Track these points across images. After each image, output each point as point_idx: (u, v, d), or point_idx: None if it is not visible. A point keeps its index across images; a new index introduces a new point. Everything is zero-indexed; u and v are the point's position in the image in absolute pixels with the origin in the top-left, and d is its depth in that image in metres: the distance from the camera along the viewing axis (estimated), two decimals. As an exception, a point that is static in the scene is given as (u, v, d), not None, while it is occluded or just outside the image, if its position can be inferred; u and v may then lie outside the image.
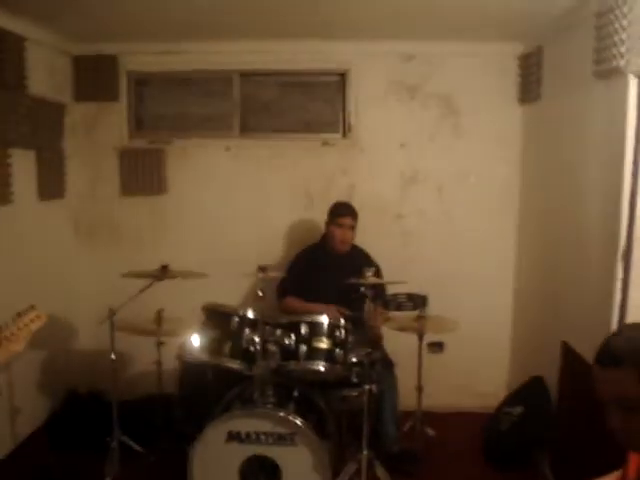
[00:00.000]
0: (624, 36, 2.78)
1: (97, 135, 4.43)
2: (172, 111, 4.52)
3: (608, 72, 2.95)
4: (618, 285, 2.86)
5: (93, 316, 3.23)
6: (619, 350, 1.43)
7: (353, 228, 3.87)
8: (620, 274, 2.86)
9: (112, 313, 3.20)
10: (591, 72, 3.11)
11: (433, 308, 3.61)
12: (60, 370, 4.24)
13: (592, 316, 3.08)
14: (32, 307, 2.12)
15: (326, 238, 3.93)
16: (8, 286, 3.47)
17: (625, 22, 2.78)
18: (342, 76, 4.42)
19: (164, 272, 3.27)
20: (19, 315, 2.07)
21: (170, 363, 3.59)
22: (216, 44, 4.25)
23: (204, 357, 3.07)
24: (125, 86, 4.43)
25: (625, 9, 2.77)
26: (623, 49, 2.79)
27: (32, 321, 2.09)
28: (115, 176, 4.45)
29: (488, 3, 3.35)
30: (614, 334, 1.52)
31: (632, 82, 2.78)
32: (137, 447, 3.46)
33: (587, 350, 3.11)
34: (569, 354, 3.33)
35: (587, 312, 3.18)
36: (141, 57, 4.39)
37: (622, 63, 2.80)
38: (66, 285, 4.33)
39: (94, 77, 4.36)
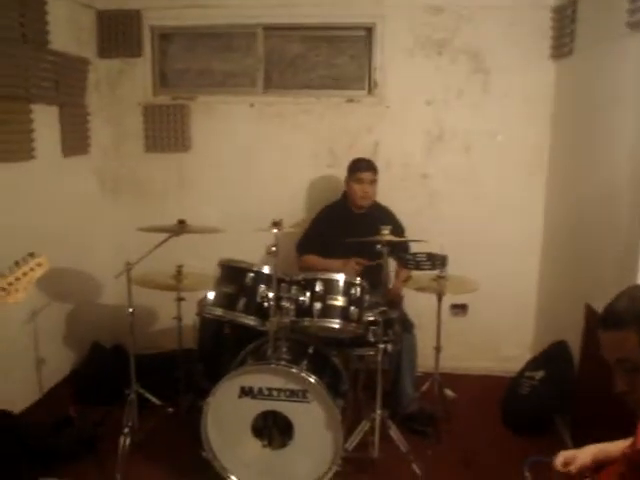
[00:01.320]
0: (660, -17, 2.62)
1: (121, 91, 4.43)
2: (196, 67, 4.48)
3: (642, 22, 2.79)
4: (643, 247, 2.76)
5: (115, 271, 3.25)
6: (620, 313, 1.41)
7: (374, 183, 3.80)
8: (646, 236, 2.75)
9: (129, 267, 3.20)
10: (625, 22, 2.95)
11: (457, 269, 3.54)
12: (85, 323, 4.32)
13: (618, 279, 2.98)
14: (31, 255, 2.08)
15: (347, 195, 3.87)
16: (32, 241, 3.49)
17: (662, -33, 2.62)
18: (369, 31, 4.30)
19: (181, 227, 3.26)
20: (17, 264, 2.03)
21: (190, 318, 3.62)
22: (239, -3, 4.18)
23: (219, 313, 3.07)
24: (149, 41, 4.40)
25: (663, -46, 2.61)
26: (659, -4, 2.64)
27: (33, 269, 2.05)
28: (139, 132, 4.45)
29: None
30: (618, 295, 1.47)
31: (668, 32, 2.63)
32: (155, 400, 3.51)
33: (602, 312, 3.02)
34: (593, 317, 3.23)
35: (613, 275, 3.08)
36: (164, 12, 4.34)
37: (657, 12, 2.65)
38: (90, 240, 4.38)
39: (118, 32, 4.34)
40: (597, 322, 1.49)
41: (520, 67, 4.13)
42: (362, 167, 3.79)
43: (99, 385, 3.86)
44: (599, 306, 3.12)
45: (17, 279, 1.99)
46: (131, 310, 3.24)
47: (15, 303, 1.99)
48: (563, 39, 3.90)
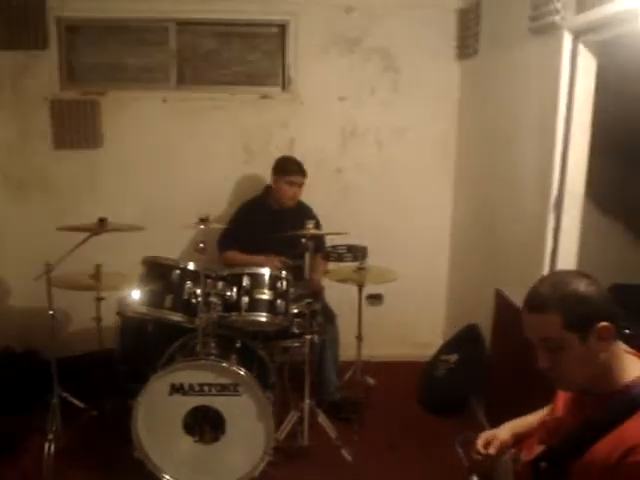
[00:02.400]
0: (560, -8, 2.84)
1: (26, 85, 4.23)
2: (106, 61, 4.36)
3: (543, 28, 3.00)
4: (550, 234, 2.98)
5: (27, 273, 3.14)
6: (544, 296, 1.53)
7: (302, 185, 3.86)
8: (552, 223, 2.97)
9: (49, 268, 3.11)
10: (527, 28, 3.17)
11: (373, 261, 3.68)
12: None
13: (525, 265, 3.21)
14: None
15: (271, 192, 3.91)
16: None
17: (561, -23, 2.83)
18: (282, 28, 4.35)
19: (102, 225, 3.19)
20: None
21: (110, 319, 3.56)
22: (151, -9, 4.11)
23: (145, 311, 3.05)
24: (55, 33, 4.23)
25: (562, -36, 2.82)
26: (559, 5, 2.84)
27: None
28: (47, 128, 4.28)
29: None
30: (541, 280, 1.61)
31: (566, 38, 2.84)
32: (78, 403, 3.43)
33: (519, 297, 3.24)
34: (502, 301, 3.46)
35: (520, 261, 3.31)
36: (71, 3, 4.19)
37: (557, 19, 2.86)
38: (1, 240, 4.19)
39: (20, 23, 4.14)
40: (521, 306, 1.61)
41: (428, 66, 4.33)
42: (294, 170, 3.83)
43: (13, 393, 3.71)
44: (508, 291, 3.37)
45: None
46: (52, 312, 3.15)
47: None
48: (468, 40, 4.12)
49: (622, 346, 1.58)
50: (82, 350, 3.91)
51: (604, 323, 1.48)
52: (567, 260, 2.93)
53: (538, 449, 1.73)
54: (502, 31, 3.64)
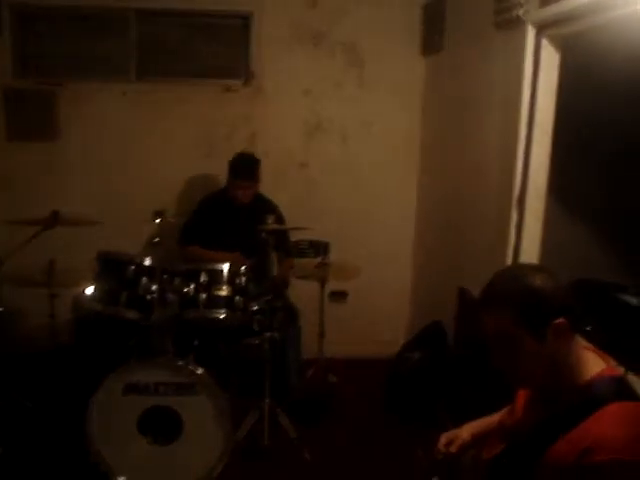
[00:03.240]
0: (524, -15, 2.81)
1: (-24, 72, 4.09)
2: (63, 50, 4.21)
3: (507, 22, 2.99)
4: (513, 230, 2.97)
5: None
6: (496, 291, 1.48)
7: (251, 187, 3.74)
8: (515, 219, 2.96)
9: (-1, 262, 3.00)
10: (491, 22, 3.15)
11: (336, 257, 3.63)
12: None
13: (488, 261, 3.19)
14: None
15: (227, 190, 3.82)
16: None
17: (525, -29, 2.81)
18: (246, 20, 4.27)
19: (55, 219, 3.08)
20: None
21: (64, 316, 3.45)
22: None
23: (99, 308, 2.94)
24: (8, 20, 4.07)
25: (525, -43, 2.80)
26: (522, -1, 2.83)
27: None
28: (0, 119, 4.13)
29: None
30: (495, 275, 1.56)
31: (530, 32, 2.83)
32: (28, 404, 3.31)
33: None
34: (465, 299, 3.44)
35: (484, 258, 3.28)
36: (26, -11, 4.06)
37: (521, 13, 2.84)
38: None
39: (-28, 9, 4.00)
40: (476, 302, 1.56)
41: (393, 61, 4.29)
42: (241, 174, 3.68)
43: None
44: (472, 288, 3.34)
45: None
46: (1, 309, 3.03)
47: None
48: (433, 36, 4.09)
49: (581, 342, 1.53)
50: (35, 348, 3.77)
51: (560, 319, 1.43)
52: (530, 256, 2.92)
53: (498, 448, 1.69)
54: (467, 26, 3.62)
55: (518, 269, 1.60)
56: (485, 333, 1.51)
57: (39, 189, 4.14)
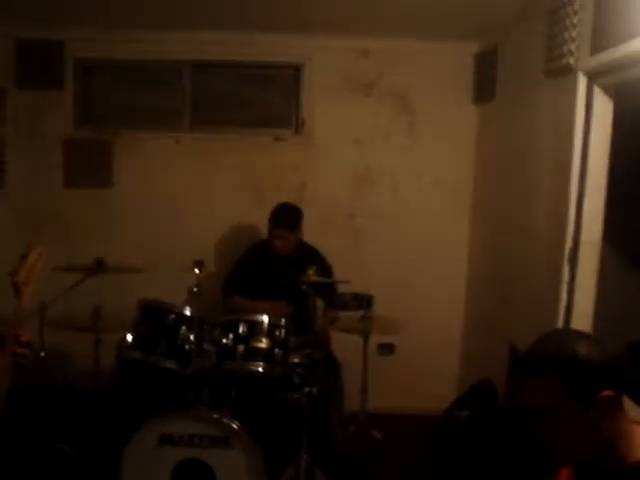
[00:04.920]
0: (574, 34, 2.74)
1: (40, 124, 4.25)
2: (120, 102, 4.37)
3: (558, 70, 2.90)
4: (564, 288, 2.82)
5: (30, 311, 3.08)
6: (541, 358, 1.37)
7: (289, 238, 3.67)
8: (566, 277, 2.81)
9: (43, 307, 3.04)
10: (542, 70, 3.06)
11: (383, 309, 3.55)
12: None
13: (539, 318, 3.04)
14: (31, 245, 1.91)
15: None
16: None
17: (576, 19, 2.73)
18: (297, 70, 4.32)
19: (99, 266, 3.12)
20: (23, 257, 1.87)
21: (107, 361, 3.46)
22: (167, 33, 4.11)
23: (137, 356, 2.94)
24: (71, 74, 4.26)
25: (576, 6, 2.72)
26: (573, 47, 2.74)
27: (37, 260, 1.89)
28: (59, 167, 4.28)
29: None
30: (538, 340, 1.44)
31: (581, 80, 2.73)
32: (68, 449, 3.30)
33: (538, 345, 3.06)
34: (516, 357, 3.27)
35: (534, 315, 3.13)
36: (90, 44, 4.22)
37: (572, 61, 2.75)
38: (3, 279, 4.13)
39: (39, 63, 4.18)
40: (517, 366, 1.45)
41: (444, 110, 4.24)
42: (278, 223, 3.63)
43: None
44: (522, 345, 3.17)
45: (29, 272, 1.85)
46: (43, 354, 3.06)
47: (28, 297, 1.85)
48: (484, 84, 4.03)
49: (631, 416, 1.39)
50: (80, 392, 3.79)
51: (607, 392, 1.30)
52: (583, 315, 2.76)
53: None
54: (518, 74, 3.54)
55: (563, 335, 1.49)
56: (525, 403, 1.40)
57: (89, 235, 4.23)
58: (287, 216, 3.67)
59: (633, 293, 3.39)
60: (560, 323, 2.83)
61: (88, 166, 4.27)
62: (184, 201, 4.29)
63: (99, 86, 4.36)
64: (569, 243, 2.80)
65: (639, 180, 3.11)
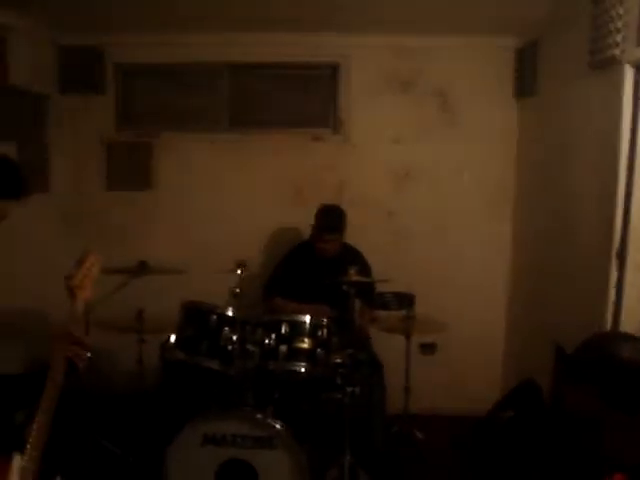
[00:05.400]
0: (620, 24, 2.68)
1: (83, 128, 4.33)
2: (160, 104, 4.42)
3: (604, 62, 2.84)
4: (612, 285, 2.75)
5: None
6: (580, 365, 1.34)
7: (338, 240, 3.68)
8: (615, 274, 2.74)
9: (88, 309, 3.08)
10: (587, 63, 3.00)
11: (423, 308, 3.51)
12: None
13: (585, 317, 2.97)
14: (87, 251, 2.01)
15: (313, 241, 3.77)
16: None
17: (621, 10, 2.67)
18: (334, 69, 4.31)
19: (142, 268, 3.16)
20: (80, 262, 1.97)
21: (150, 361, 3.50)
22: (205, 36, 4.14)
23: (181, 356, 2.96)
24: (112, 78, 4.33)
25: (622, -4, 2.66)
26: (619, 38, 2.69)
27: (93, 265, 1.98)
28: (102, 170, 4.35)
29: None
30: (581, 346, 1.41)
31: (628, 72, 2.68)
32: (114, 449, 3.35)
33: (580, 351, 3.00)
34: (562, 356, 3.20)
35: (581, 313, 3.07)
36: (128, 49, 4.29)
37: (617, 52, 2.70)
38: (50, 281, 4.21)
39: (80, 68, 4.25)
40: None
41: (485, 106, 4.19)
42: (327, 228, 3.62)
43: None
44: (567, 345, 3.11)
45: (84, 276, 1.94)
46: (89, 354, 3.10)
47: (85, 300, 1.95)
48: (526, 79, 3.96)
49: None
50: (124, 392, 3.84)
51: None
52: (632, 314, 2.68)
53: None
54: (561, 68, 3.47)
55: (607, 340, 1.44)
56: (570, 410, 1.37)
57: (131, 237, 4.29)
58: (335, 219, 3.66)
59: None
60: (608, 321, 2.76)
61: (130, 169, 4.33)
62: (223, 202, 4.32)
63: (139, 89, 4.43)
64: (617, 239, 2.73)
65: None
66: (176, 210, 4.33)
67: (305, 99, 4.38)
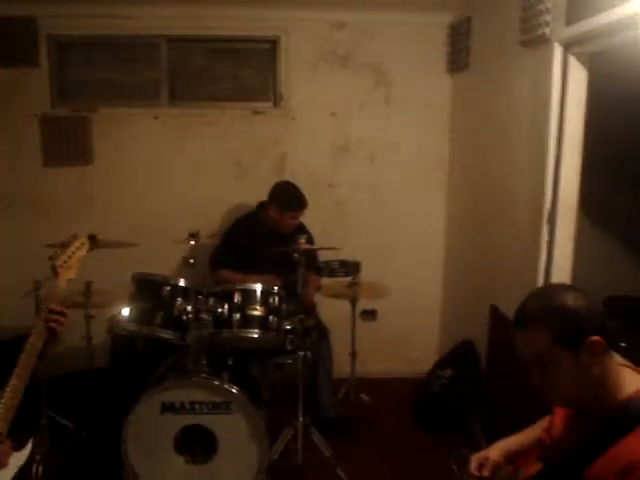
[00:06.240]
0: (549, 5, 2.84)
1: (17, 102, 4.20)
2: (97, 78, 4.33)
3: (534, 40, 3.00)
4: (544, 247, 2.96)
5: (15, 290, 3.12)
6: (532, 311, 1.49)
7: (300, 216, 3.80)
8: (546, 237, 2.95)
9: (37, 285, 3.08)
10: (518, 41, 3.17)
11: (366, 276, 3.66)
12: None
13: (519, 279, 3.18)
14: (74, 236, 2.24)
15: (265, 212, 3.83)
16: None
17: (550, -9, 2.84)
18: (273, 43, 4.35)
19: (92, 241, 3.15)
20: (65, 244, 2.19)
21: (100, 337, 3.52)
22: (142, 8, 4.09)
23: (135, 328, 3.00)
24: (46, 51, 4.21)
25: (551, -22, 2.83)
26: (549, 17, 2.85)
27: (78, 248, 2.21)
28: (37, 146, 4.24)
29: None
30: (529, 296, 1.58)
31: (557, 50, 2.84)
32: (68, 423, 3.37)
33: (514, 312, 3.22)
34: (497, 317, 3.43)
35: (514, 276, 3.28)
36: (63, 20, 4.17)
37: (547, 31, 2.86)
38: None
39: (11, 40, 4.12)
40: (510, 323, 1.58)
41: (420, 80, 4.34)
42: (299, 205, 3.73)
43: None
44: (503, 306, 3.34)
45: (69, 257, 2.14)
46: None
47: (69, 280, 2.11)
48: (459, 54, 4.13)
49: (617, 359, 1.54)
50: (72, 369, 3.84)
51: (595, 337, 1.44)
52: (561, 274, 2.91)
53: (537, 467, 1.69)
54: (493, 44, 3.64)
55: (551, 289, 1.62)
56: (521, 353, 1.53)
57: (75, 212, 4.24)
58: (301, 197, 3.75)
59: (606, 254, 3.57)
60: (540, 281, 2.98)
61: (67, 144, 4.25)
62: (166, 175, 4.32)
63: (75, 63, 4.32)
64: (547, 205, 2.94)
65: (615, 147, 3.24)
66: (120, 184, 4.30)
67: (245, 73, 4.40)
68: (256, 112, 4.37)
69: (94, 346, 3.58)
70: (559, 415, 1.70)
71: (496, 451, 1.87)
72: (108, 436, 3.04)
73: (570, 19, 2.71)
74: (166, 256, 4.05)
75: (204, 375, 2.92)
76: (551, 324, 1.45)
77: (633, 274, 3.58)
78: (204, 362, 2.98)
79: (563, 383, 1.48)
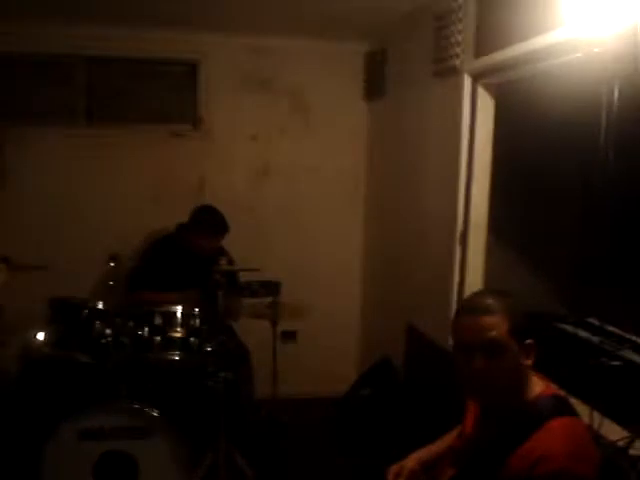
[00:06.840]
0: (460, 38, 3.02)
1: None
2: (9, 98, 4.21)
3: (445, 71, 3.18)
4: (456, 267, 3.10)
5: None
6: (490, 303, 1.60)
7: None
8: (458, 257, 3.10)
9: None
10: (430, 71, 3.34)
11: (287, 297, 3.70)
12: None
13: (434, 296, 3.32)
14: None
15: (185, 234, 3.80)
16: None
17: (460, 26, 3.02)
18: (193, 67, 4.38)
19: (6, 264, 3.06)
20: None
21: (9, 364, 3.39)
22: (59, 27, 4.00)
23: (51, 352, 2.92)
24: (-47, 67, 4.07)
25: (460, 14, 3.01)
26: (459, 50, 3.03)
27: None
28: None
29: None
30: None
31: (466, 80, 3.02)
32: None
33: (430, 329, 3.35)
34: (413, 333, 3.55)
35: (429, 294, 3.41)
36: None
37: (457, 63, 3.04)
38: None
39: None
40: (461, 311, 1.66)
41: (338, 106, 4.48)
42: (222, 230, 3.70)
43: None
44: (419, 323, 3.46)
45: None
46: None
47: None
48: (375, 82, 4.29)
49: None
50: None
51: (531, 340, 1.60)
52: (473, 290, 3.05)
53: (450, 472, 1.78)
54: (407, 73, 3.81)
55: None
56: (470, 339, 1.59)
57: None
58: (223, 220, 3.72)
59: (510, 270, 3.74)
60: (453, 300, 3.12)
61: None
62: (84, 198, 4.22)
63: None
64: (460, 226, 3.09)
65: (520, 173, 3.42)
66: (36, 206, 4.16)
67: (164, 95, 4.40)
68: (175, 135, 4.36)
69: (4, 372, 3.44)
70: (469, 419, 1.80)
71: (411, 461, 1.95)
72: (25, 466, 2.92)
73: (478, 52, 2.90)
74: (86, 279, 3.95)
75: (123, 399, 2.87)
76: (509, 316, 1.58)
77: (535, 286, 3.74)
78: (124, 386, 2.93)
79: (503, 372, 1.58)
